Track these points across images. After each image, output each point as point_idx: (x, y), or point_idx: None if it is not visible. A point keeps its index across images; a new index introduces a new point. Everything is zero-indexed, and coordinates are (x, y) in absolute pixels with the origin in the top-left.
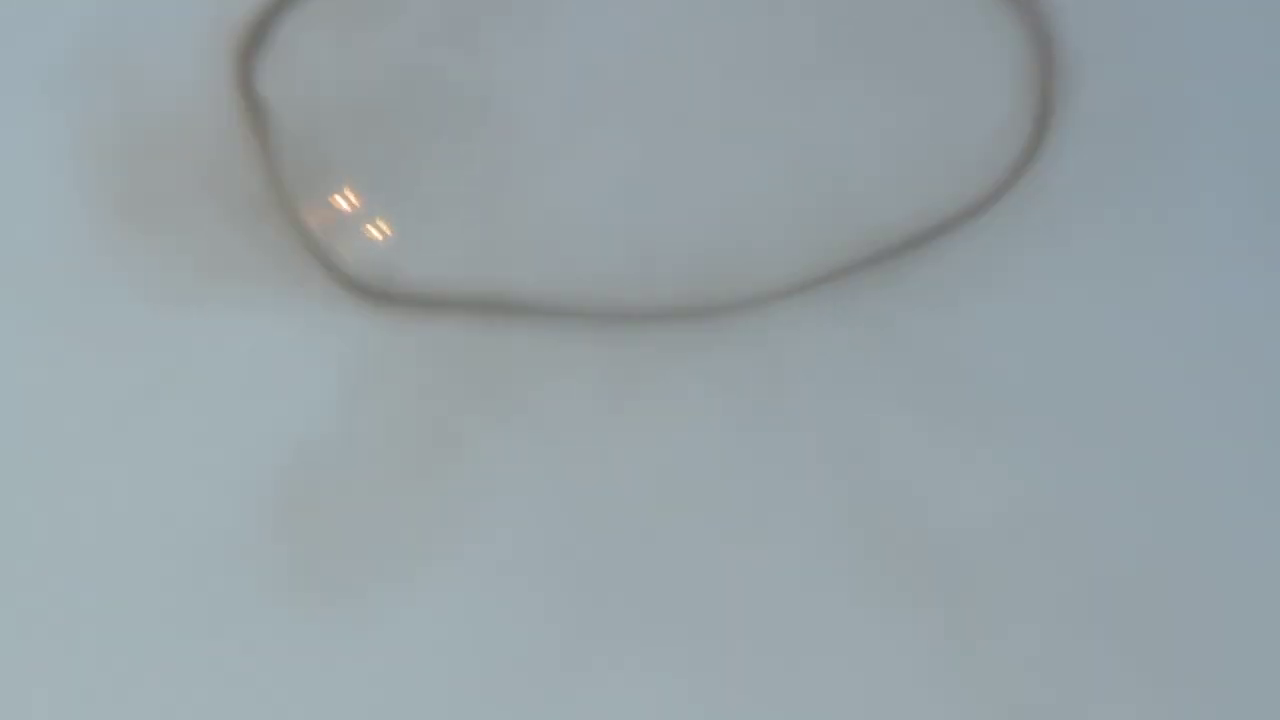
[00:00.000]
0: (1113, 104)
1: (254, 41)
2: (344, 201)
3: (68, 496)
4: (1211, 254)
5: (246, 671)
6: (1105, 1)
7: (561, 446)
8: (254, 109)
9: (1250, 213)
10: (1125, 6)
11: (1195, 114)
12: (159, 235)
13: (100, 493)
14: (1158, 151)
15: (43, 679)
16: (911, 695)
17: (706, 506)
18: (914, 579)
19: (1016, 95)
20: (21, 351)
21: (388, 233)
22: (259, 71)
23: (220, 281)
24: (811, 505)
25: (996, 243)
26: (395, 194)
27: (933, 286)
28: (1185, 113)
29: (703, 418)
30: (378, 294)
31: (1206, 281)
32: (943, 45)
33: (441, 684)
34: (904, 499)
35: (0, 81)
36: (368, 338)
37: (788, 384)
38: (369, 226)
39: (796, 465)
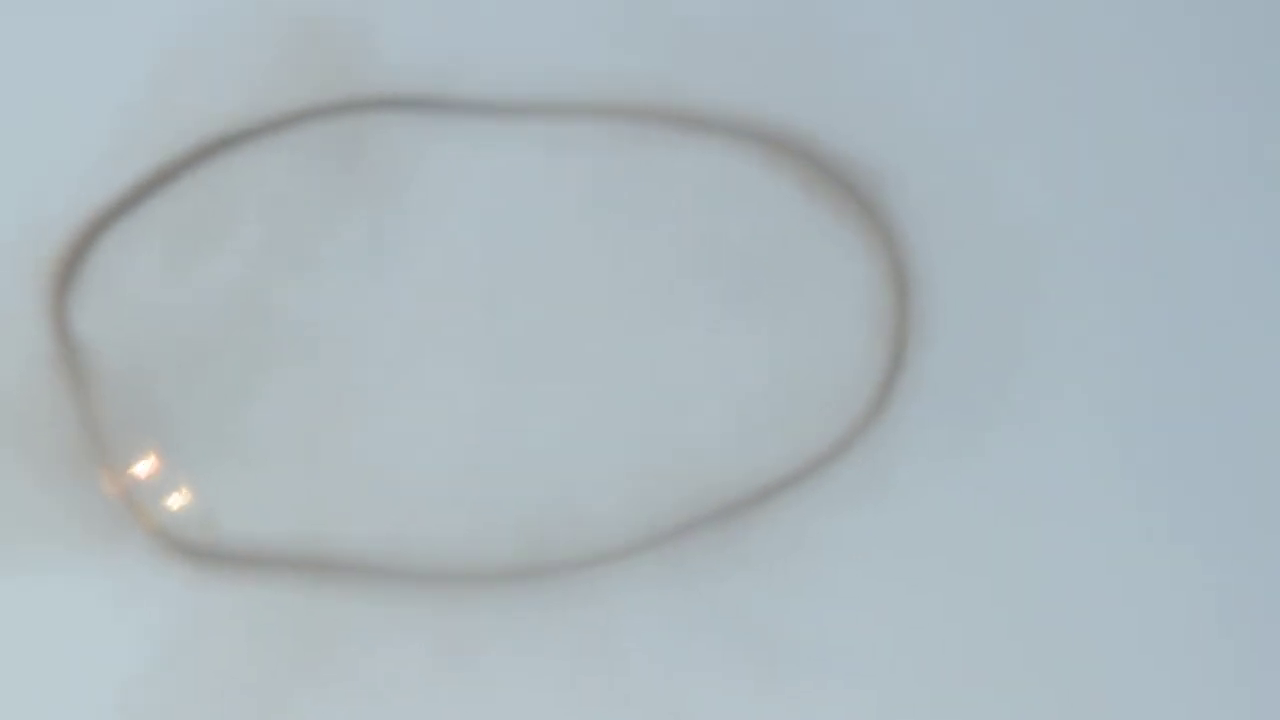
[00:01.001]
0: (967, 349)
1: (69, 269)
2: (161, 453)
3: None
4: (1057, 513)
5: None
6: (962, 238)
7: (390, 713)
8: (68, 346)
9: (1104, 464)
10: (982, 244)
11: (1047, 363)
12: None
13: None
14: (1007, 404)
15: None
16: None
17: None
18: None
19: (870, 336)
20: None
21: (206, 488)
22: (74, 303)
23: (27, 539)
24: None
25: (837, 499)
26: (217, 442)
27: (766, 548)
28: (1038, 363)
29: (533, 682)
30: (197, 552)
31: (1049, 541)
32: (797, 282)
33: None
34: None
35: None
36: (187, 598)
37: (617, 648)
38: (186, 482)
39: None
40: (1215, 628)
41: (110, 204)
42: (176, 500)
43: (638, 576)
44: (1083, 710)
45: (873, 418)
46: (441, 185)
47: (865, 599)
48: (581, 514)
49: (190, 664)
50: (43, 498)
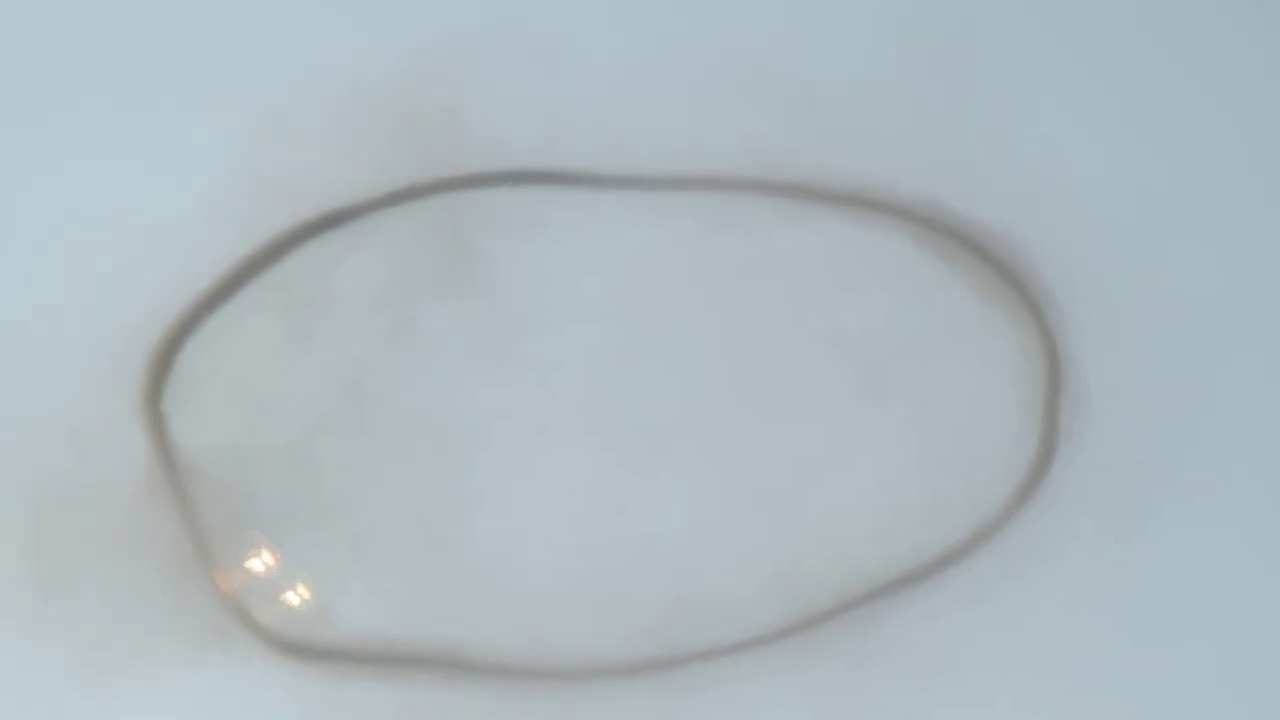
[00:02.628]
0: (1119, 439)
1: (163, 364)
2: (269, 551)
3: None
4: (1208, 612)
5: None
6: (1117, 318)
7: None
8: (165, 445)
9: (1263, 562)
10: (1138, 325)
11: (1204, 455)
12: (74, 601)
13: None
14: (1160, 497)
15: None
16: None
17: None
18: None
19: (1018, 420)
20: None
21: (317, 585)
22: (170, 399)
23: (139, 646)
24: None
25: (976, 591)
26: (326, 538)
27: (902, 640)
28: (1194, 454)
29: None
30: (310, 651)
31: (1197, 641)
32: (940, 362)
33: None
34: None
35: None
36: (302, 699)
37: None
38: (296, 580)
39: None
40: None
41: (204, 294)
42: (288, 599)
43: (769, 668)
44: None
45: (1018, 506)
46: (554, 263)
47: (1001, 695)
48: (711, 606)
49: None
50: (152, 603)
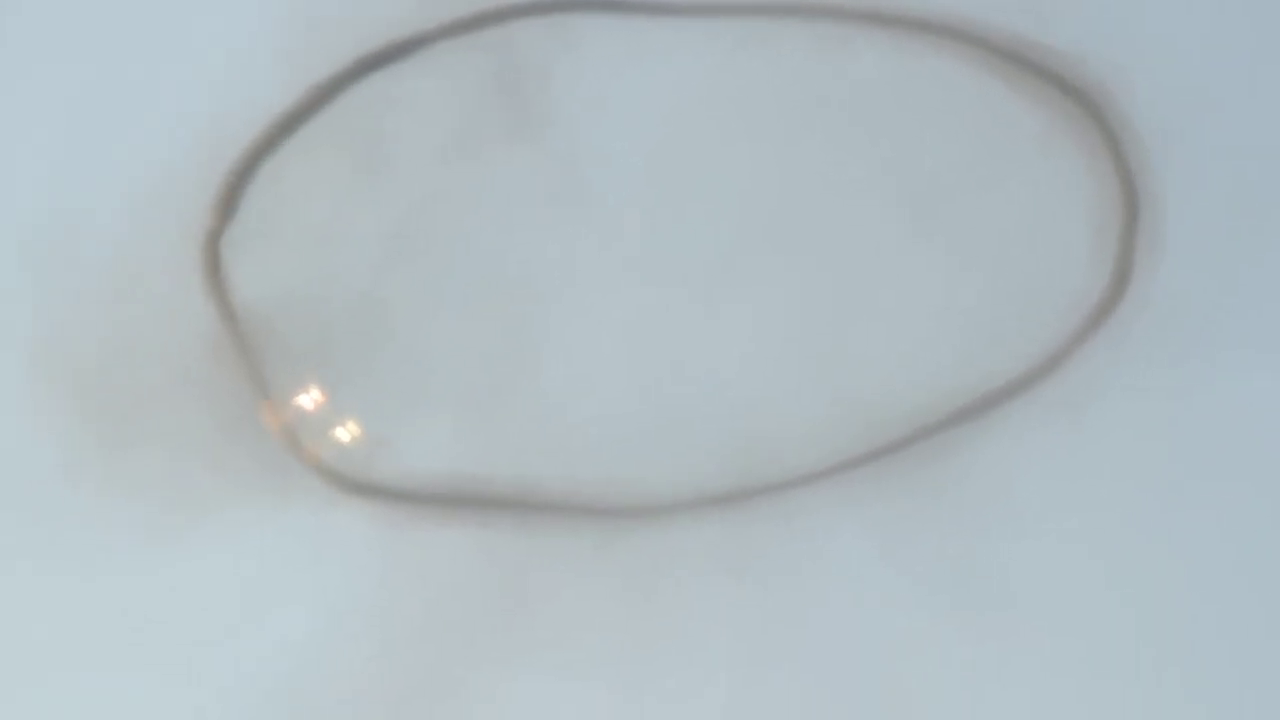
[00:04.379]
0: (1194, 274)
1: (229, 201)
2: (327, 390)
3: None
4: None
5: None
6: (1196, 152)
7: (584, 649)
8: (228, 303)
9: None
10: (1218, 160)
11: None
12: (142, 446)
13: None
14: (1231, 334)
15: None
16: None
17: (727, 705)
18: None
19: (1092, 253)
20: (21, 573)
21: (377, 431)
22: (234, 235)
23: (209, 496)
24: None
25: (1040, 423)
26: (386, 377)
27: (965, 472)
28: (1269, 294)
29: (725, 607)
30: (377, 491)
31: (1259, 477)
32: (1014, 193)
33: None
34: (918, 708)
35: None
36: (371, 538)
37: (812, 573)
38: (356, 419)
39: (809, 667)
40: None
41: (260, 137)
42: (354, 442)
43: (836, 500)
44: None
45: (1085, 338)
46: (609, 95)
47: (1063, 529)
48: (777, 439)
49: (370, 600)
50: (218, 453)
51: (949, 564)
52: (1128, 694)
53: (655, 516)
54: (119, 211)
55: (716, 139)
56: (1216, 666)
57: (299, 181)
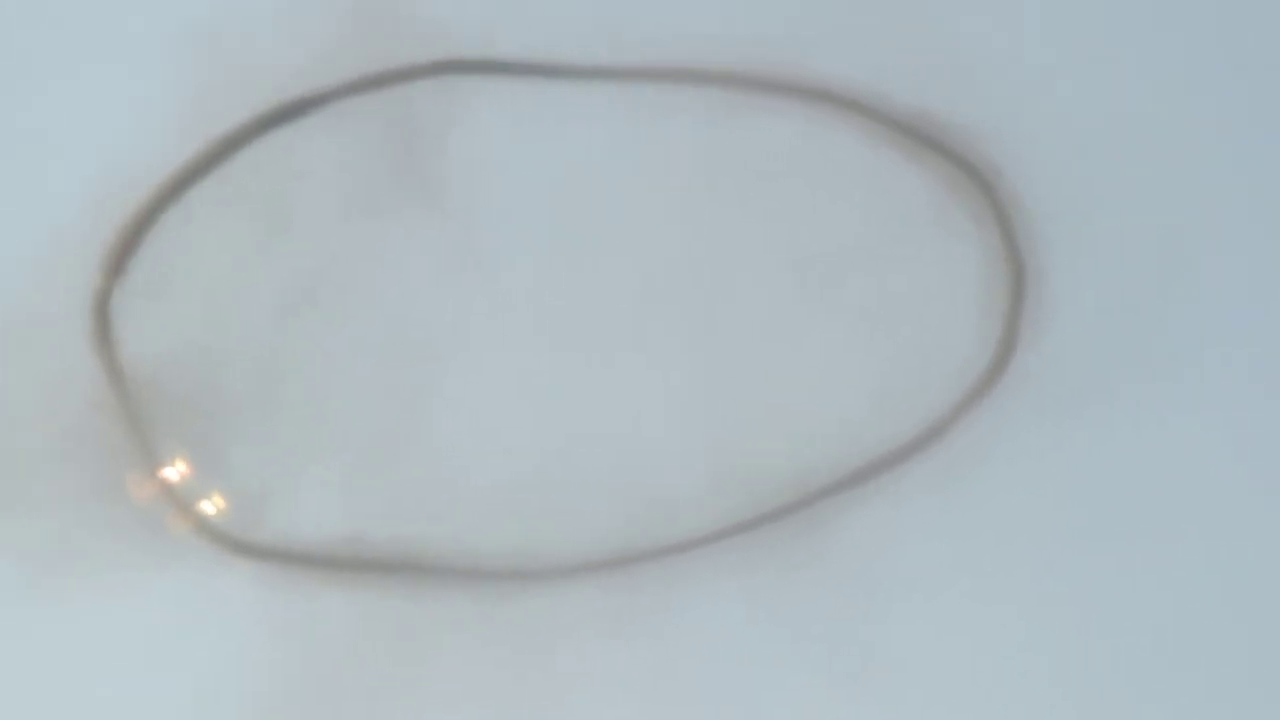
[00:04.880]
0: (1077, 341)
1: (112, 277)
2: (218, 460)
3: None
4: (1155, 490)
5: None
6: (1082, 223)
7: (466, 710)
8: (115, 365)
9: (1214, 464)
10: (1103, 231)
11: (1159, 361)
12: (25, 507)
13: None
14: (1116, 396)
15: None
16: None
17: None
18: None
19: (979, 321)
20: None
21: (266, 492)
22: (123, 296)
23: (94, 558)
24: None
25: (923, 490)
26: (279, 442)
27: (849, 539)
28: (1152, 358)
29: (612, 671)
30: (264, 553)
31: (1147, 537)
32: (902, 262)
33: None
34: None
35: None
36: (258, 600)
37: (695, 638)
38: (247, 486)
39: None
40: None
41: (161, 187)
42: (242, 502)
43: (715, 566)
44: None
45: (970, 405)
46: (505, 157)
47: (938, 594)
48: (663, 504)
49: (255, 662)
50: (104, 513)
51: (824, 628)
52: None
53: (544, 579)
54: (6, 269)
55: (611, 202)
56: None
57: (192, 240)
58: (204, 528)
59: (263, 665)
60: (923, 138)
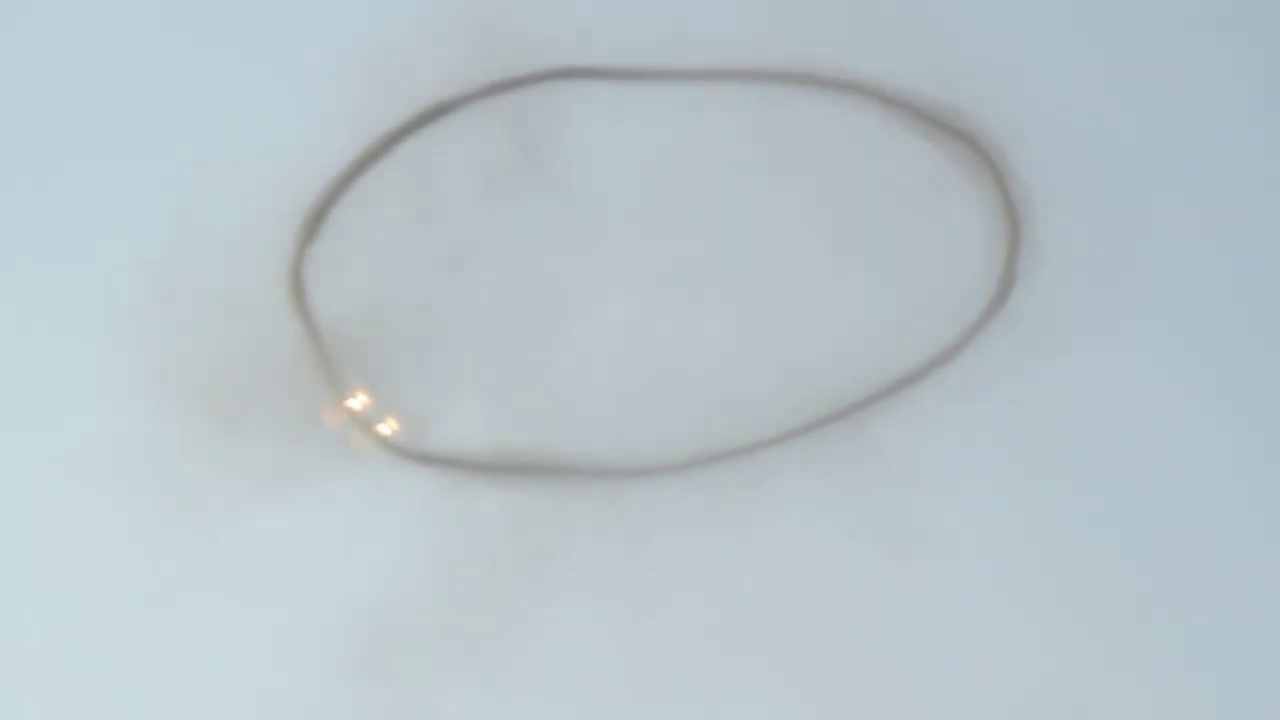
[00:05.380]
0: (1067, 282)
1: (302, 250)
2: (391, 388)
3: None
4: (1139, 413)
5: None
6: (1070, 179)
7: (586, 596)
8: (308, 317)
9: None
10: (1090, 182)
11: (1138, 301)
12: (243, 433)
13: (197, 669)
14: (1100, 330)
15: None
16: None
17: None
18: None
19: (984, 257)
20: (149, 534)
21: (430, 414)
22: (312, 261)
23: (298, 465)
24: (778, 637)
25: (957, 397)
26: (440, 376)
27: (895, 436)
28: (1129, 303)
29: (699, 559)
30: (426, 460)
31: (1123, 436)
32: (919, 215)
33: None
34: (856, 632)
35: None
36: (425, 499)
37: (768, 526)
38: (415, 410)
39: (770, 599)
40: None
41: (339, 176)
42: (403, 421)
43: (786, 465)
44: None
45: (976, 333)
46: (604, 144)
47: (960, 487)
48: (738, 413)
49: (426, 547)
50: (299, 426)
51: (873, 514)
52: (1017, 617)
53: (649, 475)
54: (222, 248)
55: (686, 179)
56: (1093, 588)
57: (364, 219)
58: (382, 444)
59: (429, 551)
60: (934, 119)
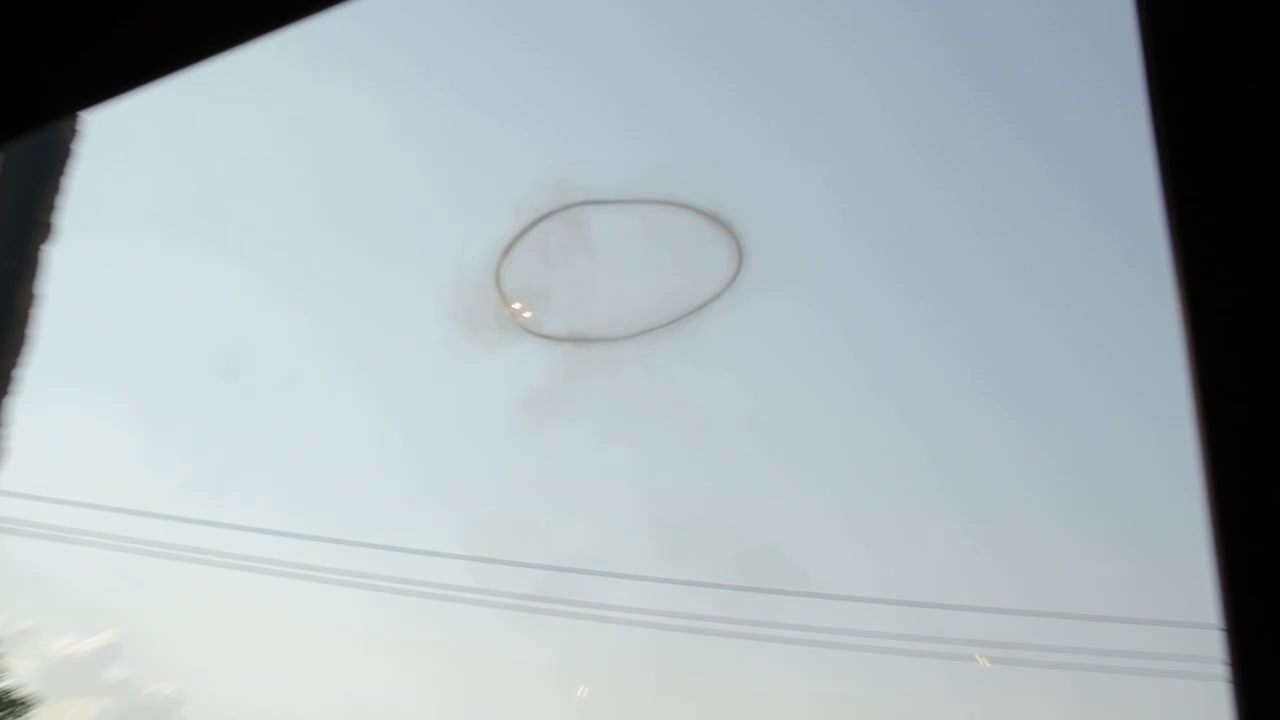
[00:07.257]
0: None
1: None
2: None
3: None
4: None
5: None
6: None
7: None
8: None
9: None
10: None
11: None
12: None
13: None
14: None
15: None
16: None
17: None
18: None
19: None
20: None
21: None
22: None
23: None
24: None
25: None
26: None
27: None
28: None
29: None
30: (543, 336)
31: None
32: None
33: None
34: None
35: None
36: (542, 353)
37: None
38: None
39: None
40: None
41: (504, 248)
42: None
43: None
44: None
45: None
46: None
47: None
48: None
49: (538, 373)
50: (495, 326)
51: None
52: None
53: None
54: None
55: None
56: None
57: (520, 269)
58: (524, 326)
59: (541, 373)
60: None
